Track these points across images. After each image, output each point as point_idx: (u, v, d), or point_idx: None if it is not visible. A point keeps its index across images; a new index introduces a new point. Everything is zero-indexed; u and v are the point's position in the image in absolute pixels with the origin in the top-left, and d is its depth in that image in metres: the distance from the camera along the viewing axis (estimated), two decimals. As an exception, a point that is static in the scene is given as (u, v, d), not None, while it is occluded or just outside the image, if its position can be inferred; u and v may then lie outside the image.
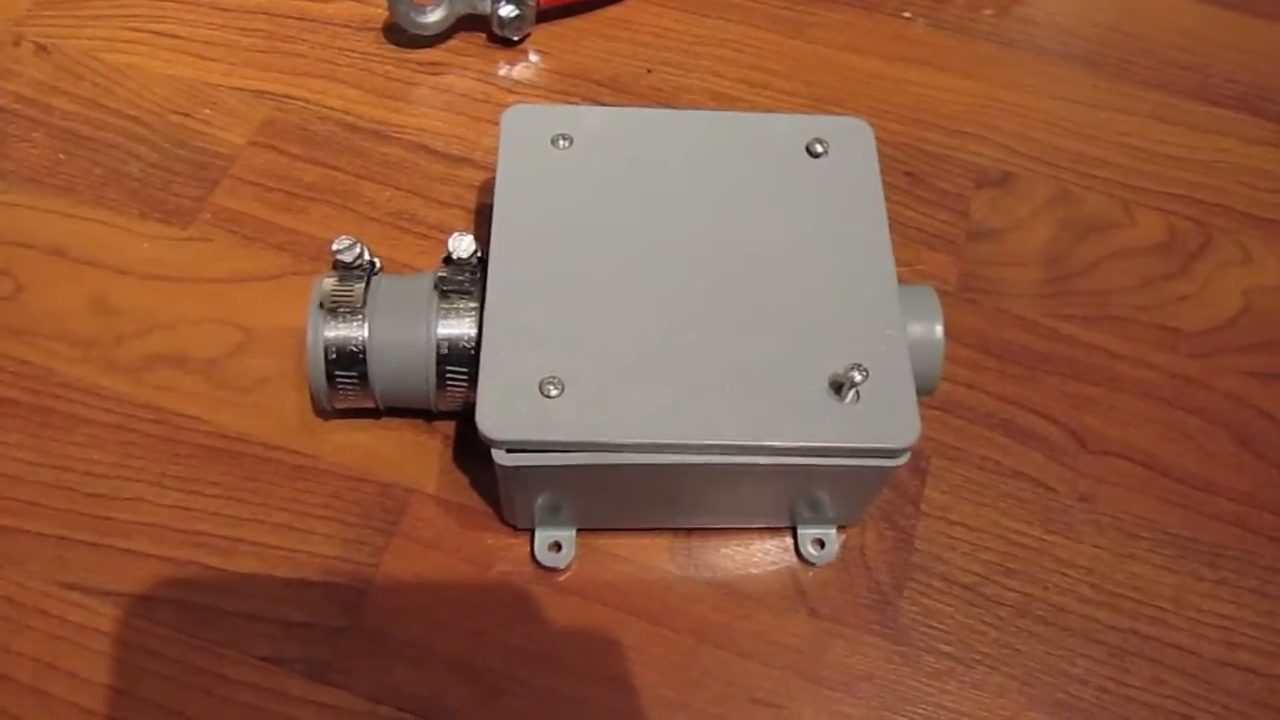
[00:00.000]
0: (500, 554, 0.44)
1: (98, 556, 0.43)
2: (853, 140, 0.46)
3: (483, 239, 0.42)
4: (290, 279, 0.50)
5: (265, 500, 0.44)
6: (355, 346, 0.41)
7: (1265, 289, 0.54)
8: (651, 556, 0.44)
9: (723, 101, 0.59)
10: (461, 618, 0.42)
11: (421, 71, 0.59)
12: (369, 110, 0.57)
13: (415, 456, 0.46)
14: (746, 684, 0.42)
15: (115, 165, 0.54)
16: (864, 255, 0.43)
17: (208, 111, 0.56)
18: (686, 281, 0.41)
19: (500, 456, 0.38)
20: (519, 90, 0.59)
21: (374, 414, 0.46)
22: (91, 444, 0.45)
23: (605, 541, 0.44)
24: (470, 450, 0.46)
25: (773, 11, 0.63)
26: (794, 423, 0.38)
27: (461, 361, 0.42)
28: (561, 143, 0.45)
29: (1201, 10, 0.66)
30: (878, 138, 0.46)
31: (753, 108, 0.58)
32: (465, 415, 0.45)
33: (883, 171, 0.45)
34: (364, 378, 0.42)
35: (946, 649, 0.43)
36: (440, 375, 0.42)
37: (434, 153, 0.55)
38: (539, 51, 0.60)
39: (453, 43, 0.60)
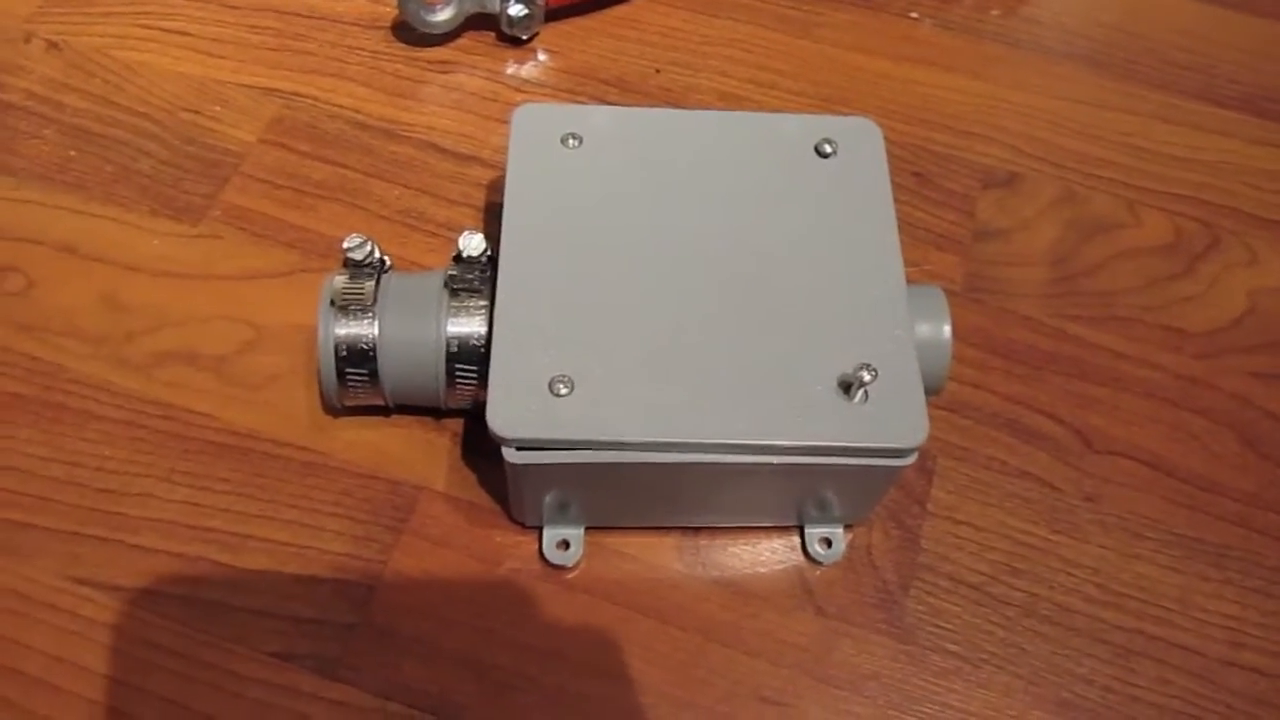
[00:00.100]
0: (509, 552, 0.44)
1: (108, 552, 0.43)
2: (861, 141, 0.46)
3: (492, 237, 0.43)
4: (300, 276, 0.51)
5: (275, 497, 0.45)
6: (366, 344, 0.42)
7: (1271, 290, 0.54)
8: (659, 555, 0.44)
9: (730, 101, 0.59)
10: (470, 615, 0.43)
11: (430, 70, 0.59)
12: (378, 108, 0.57)
13: (424, 454, 0.46)
14: (753, 682, 0.42)
15: (126, 162, 0.54)
16: (872, 255, 0.43)
17: (218, 109, 0.56)
18: (695, 281, 0.42)
19: (510, 454, 0.38)
20: (527, 89, 0.59)
21: (383, 411, 0.46)
22: (102, 440, 0.46)
23: (613, 540, 0.44)
24: (479, 448, 0.46)
25: (780, 11, 0.63)
26: (802, 422, 0.38)
27: (471, 359, 0.42)
28: (571, 142, 0.45)
29: (1206, 11, 0.66)
30: (885, 137, 0.46)
31: (760, 107, 0.59)
32: (474, 413, 0.45)
33: (890, 171, 0.45)
34: (374, 375, 0.42)
35: (953, 648, 0.43)
36: (450, 373, 0.42)
37: (443, 151, 0.56)
38: (547, 50, 0.60)
39: (461, 41, 0.60)
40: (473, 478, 0.46)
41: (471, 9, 0.59)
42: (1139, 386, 0.50)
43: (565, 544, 0.44)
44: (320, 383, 0.43)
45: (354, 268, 0.43)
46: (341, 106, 0.57)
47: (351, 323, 0.42)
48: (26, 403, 0.46)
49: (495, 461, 0.39)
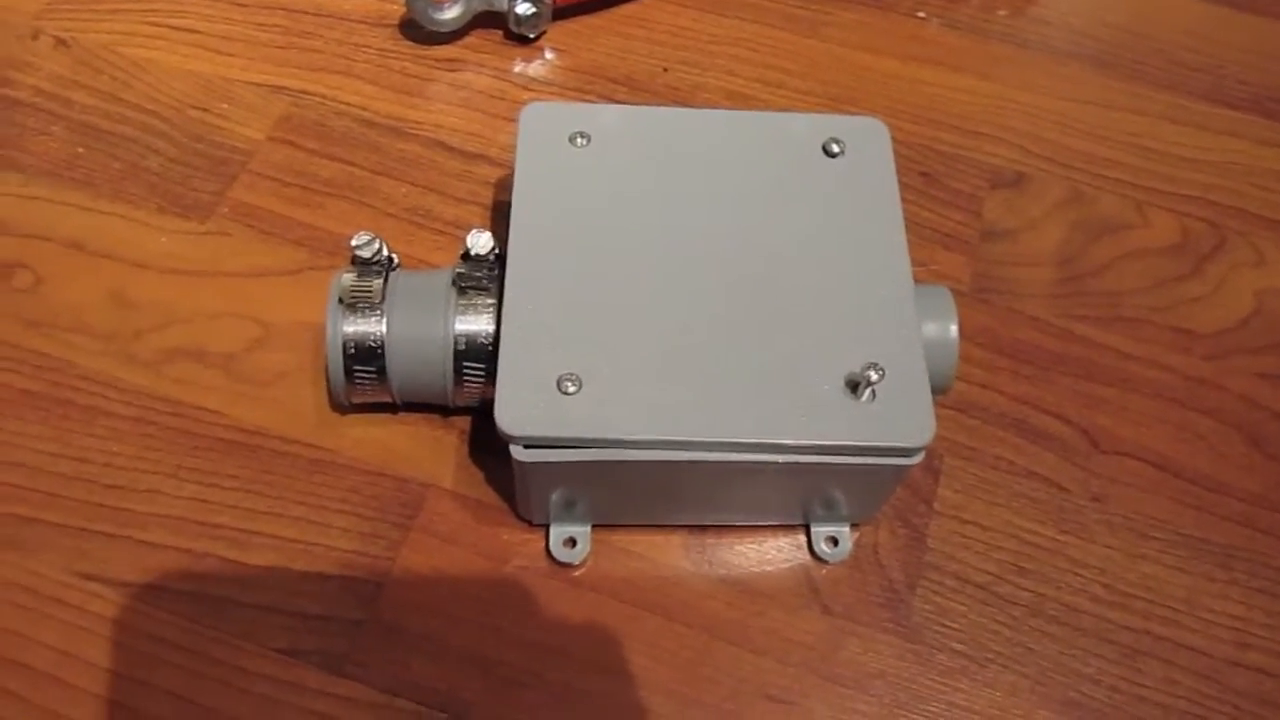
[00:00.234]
0: (516, 549, 0.44)
1: (116, 547, 0.43)
2: (869, 140, 0.46)
3: (499, 235, 0.43)
4: (308, 274, 0.51)
5: (282, 494, 0.45)
6: (374, 342, 0.42)
7: (1278, 291, 0.54)
8: (666, 553, 0.44)
9: (738, 100, 0.59)
10: (477, 612, 0.43)
11: (438, 68, 0.59)
12: (386, 106, 0.57)
13: (432, 451, 0.46)
14: (759, 680, 0.42)
15: (134, 159, 0.54)
16: (880, 255, 0.43)
17: (225, 106, 0.57)
18: (703, 280, 0.42)
19: (518, 452, 0.38)
20: (535, 87, 0.59)
21: (391, 409, 0.46)
22: (110, 436, 0.46)
23: (620, 538, 0.45)
24: (486, 445, 0.46)
25: (787, 11, 0.63)
26: (809, 421, 0.39)
27: (479, 357, 0.42)
28: (579, 140, 0.45)
29: (1214, 11, 0.66)
30: (892, 137, 0.46)
31: (768, 107, 0.59)
32: (481, 410, 0.45)
33: (898, 171, 0.45)
34: (382, 373, 0.42)
35: (959, 647, 0.43)
36: (458, 371, 0.42)
37: (450, 149, 0.56)
38: (555, 49, 0.60)
39: (469, 39, 0.60)
40: (480, 475, 0.46)
41: (479, 7, 0.59)
42: (1146, 387, 0.50)
43: (572, 542, 0.44)
44: (328, 380, 0.43)
45: (362, 265, 0.43)
46: (349, 104, 0.57)
47: (360, 320, 0.42)
48: (35, 399, 0.47)
49: (502, 459, 0.39)
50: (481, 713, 0.41)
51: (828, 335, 0.40)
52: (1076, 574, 0.45)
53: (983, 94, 0.60)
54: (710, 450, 0.39)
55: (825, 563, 0.44)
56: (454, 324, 0.42)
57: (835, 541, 0.45)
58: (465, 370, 0.42)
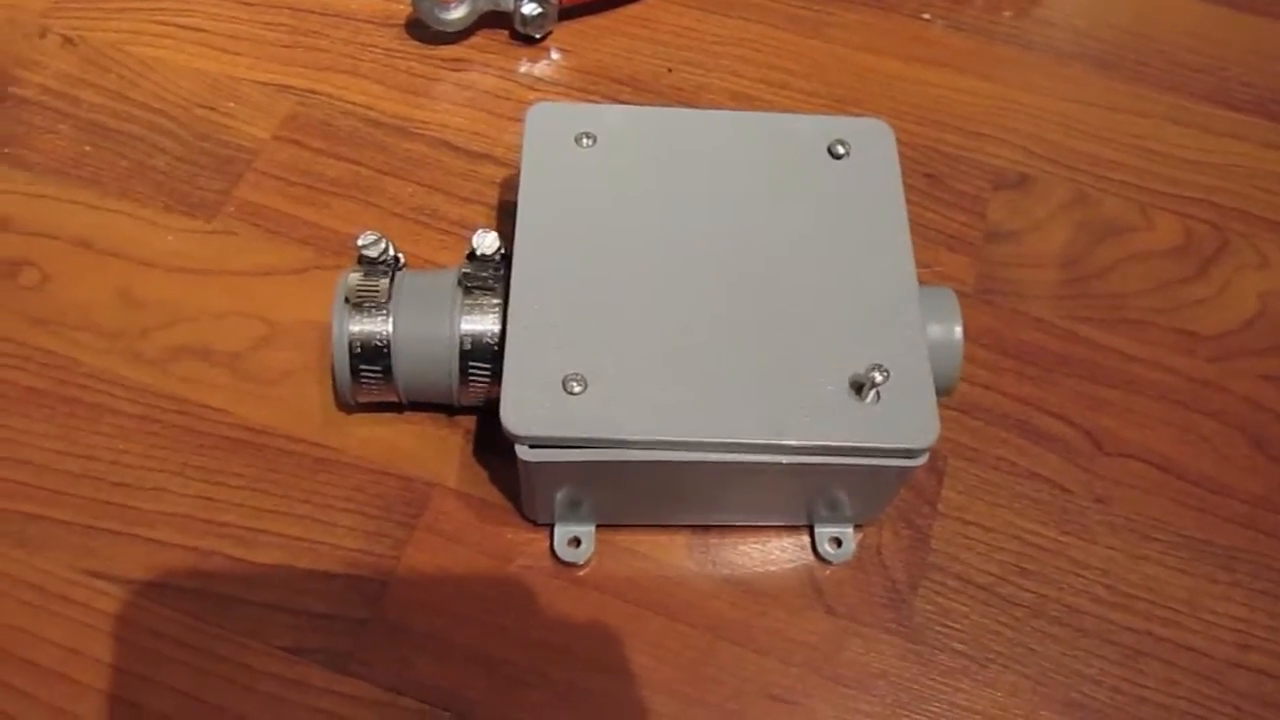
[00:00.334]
0: (520, 548, 0.44)
1: (122, 545, 0.43)
2: (874, 141, 0.46)
3: (504, 235, 0.43)
4: (314, 273, 0.51)
5: (288, 492, 0.45)
6: (380, 341, 0.42)
7: (1282, 293, 0.54)
8: (670, 553, 0.45)
9: (742, 101, 0.59)
10: (481, 611, 0.43)
11: (444, 68, 0.59)
12: (391, 106, 0.57)
13: (436, 451, 0.46)
14: (763, 680, 0.42)
15: (141, 158, 0.54)
16: (884, 256, 0.43)
17: (232, 105, 0.57)
18: (708, 280, 0.42)
19: (523, 452, 0.38)
20: (540, 87, 0.59)
21: (396, 408, 0.46)
22: (116, 434, 0.46)
23: (624, 538, 0.45)
24: (491, 445, 0.46)
25: (791, 11, 0.63)
26: (814, 422, 0.39)
27: (484, 357, 0.42)
28: (585, 141, 0.45)
29: (1218, 13, 0.66)
30: (896, 139, 0.46)
31: (772, 107, 0.59)
32: (487, 410, 0.46)
33: (902, 173, 0.45)
34: (388, 372, 0.42)
35: (961, 648, 0.43)
36: (463, 370, 0.42)
37: (456, 149, 0.56)
38: (560, 49, 0.61)
39: (475, 39, 0.60)
40: (484, 474, 0.46)
41: (485, 7, 0.59)
42: (1150, 389, 0.50)
43: (576, 541, 0.44)
44: (334, 379, 0.43)
45: (368, 265, 0.43)
46: (355, 104, 0.57)
47: (366, 320, 0.42)
48: (41, 396, 0.47)
49: (507, 459, 0.39)
50: (485, 711, 0.41)
51: (832, 336, 0.40)
52: (1079, 575, 0.45)
53: (987, 95, 0.60)
54: (715, 451, 0.39)
55: (829, 563, 0.45)
56: (460, 324, 0.42)
57: (839, 542, 0.45)
58: (471, 370, 0.42)
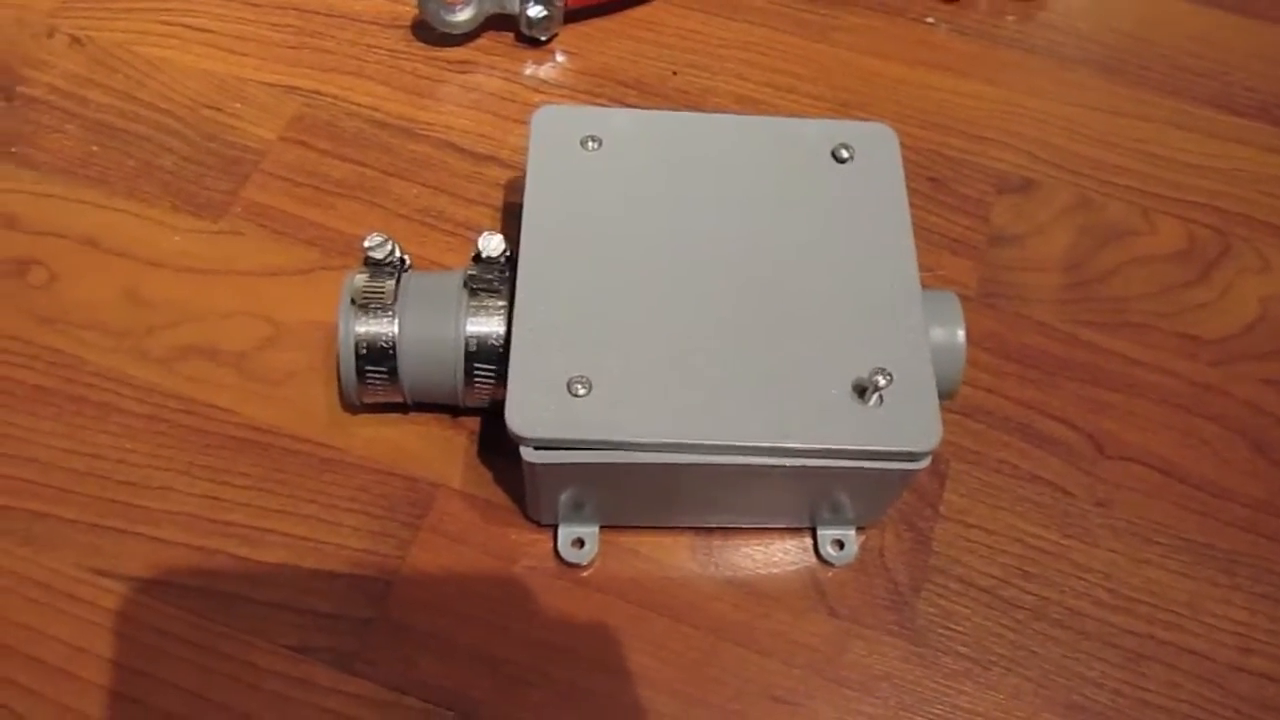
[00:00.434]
0: (524, 549, 0.44)
1: (128, 543, 0.44)
2: (878, 146, 0.46)
3: (510, 237, 0.43)
4: (319, 274, 0.51)
5: (294, 492, 0.45)
6: (385, 342, 0.42)
7: (1284, 298, 0.54)
8: (673, 555, 0.45)
9: (747, 104, 0.59)
10: (485, 611, 0.43)
11: (449, 70, 0.59)
12: (397, 107, 0.57)
13: (441, 451, 0.46)
14: (765, 682, 0.42)
15: (148, 158, 0.55)
16: (888, 260, 0.43)
17: (239, 106, 0.57)
18: (713, 283, 0.42)
19: (528, 454, 0.38)
20: (545, 90, 0.59)
21: (401, 409, 0.46)
22: (123, 433, 0.46)
23: (627, 539, 0.45)
24: (495, 446, 0.46)
25: (797, 15, 0.64)
26: (817, 425, 0.39)
27: (490, 359, 0.42)
28: (591, 144, 0.45)
29: (1221, 18, 0.66)
30: (900, 142, 0.46)
31: (777, 111, 0.59)
32: (491, 411, 0.46)
33: (905, 176, 0.46)
34: (393, 373, 0.43)
35: (963, 650, 0.43)
36: (469, 372, 0.43)
37: (461, 151, 0.56)
38: (566, 52, 0.61)
39: (481, 41, 0.61)
40: (489, 475, 0.46)
41: (491, 9, 0.59)
42: (1152, 392, 0.50)
43: (580, 542, 0.44)
44: (340, 380, 0.43)
45: (374, 266, 0.43)
46: (361, 105, 0.57)
47: (371, 321, 0.42)
48: (49, 395, 0.47)
49: (511, 460, 0.40)
50: (489, 711, 0.41)
51: (836, 339, 0.41)
52: (1080, 578, 0.45)
53: (990, 99, 0.61)
54: (718, 453, 0.39)
55: (831, 565, 0.45)
56: (465, 325, 0.42)
57: (841, 544, 0.45)
58: (476, 371, 0.43)
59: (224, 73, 0.58)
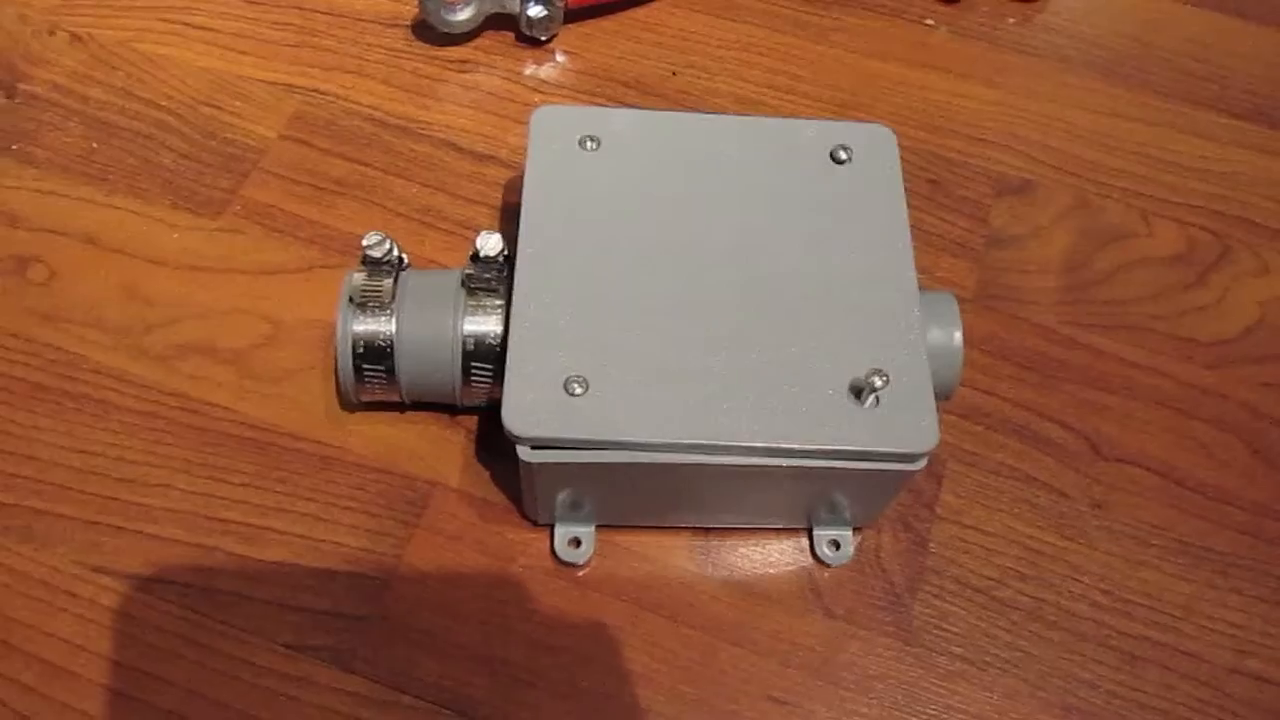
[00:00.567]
0: (521, 548, 0.45)
1: (127, 541, 0.44)
2: (877, 147, 0.46)
3: (508, 237, 0.43)
4: (318, 272, 0.51)
5: (292, 490, 0.45)
6: (383, 341, 0.42)
7: (1282, 301, 0.54)
8: (670, 554, 0.45)
9: (747, 105, 0.59)
10: (482, 610, 0.43)
11: (449, 69, 0.59)
12: (397, 106, 0.58)
13: (439, 450, 0.46)
14: (761, 682, 0.42)
15: (147, 155, 0.55)
16: (886, 261, 0.43)
17: (239, 104, 0.57)
18: (710, 284, 0.42)
19: (525, 453, 0.39)
20: (545, 90, 0.59)
21: (399, 407, 0.47)
22: (122, 430, 0.46)
23: (624, 538, 0.45)
24: (492, 445, 0.47)
25: (797, 16, 0.64)
26: (814, 426, 0.39)
27: (487, 358, 0.42)
28: (589, 144, 0.45)
29: (1221, 21, 0.66)
30: (899, 144, 0.47)
31: (777, 112, 0.59)
32: (488, 410, 0.46)
33: (904, 178, 0.46)
34: (391, 372, 0.43)
35: (959, 651, 0.44)
36: (466, 371, 0.43)
37: (460, 150, 0.56)
38: (566, 52, 0.61)
39: (481, 41, 0.61)
40: (486, 474, 0.46)
41: (491, 9, 0.59)
42: (1149, 395, 0.50)
43: (577, 542, 0.44)
44: (337, 378, 0.43)
45: (372, 265, 0.43)
46: (361, 104, 0.57)
47: (369, 319, 0.42)
48: (48, 392, 0.47)
49: (508, 459, 0.40)
50: (486, 710, 0.41)
51: (833, 341, 0.41)
52: (1077, 580, 0.45)
53: (990, 101, 0.61)
54: (715, 454, 0.39)
55: (827, 566, 0.45)
56: (463, 324, 0.42)
57: (837, 545, 0.45)
58: (473, 370, 0.43)
59: (224, 71, 0.58)
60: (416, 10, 0.59)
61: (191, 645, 0.42)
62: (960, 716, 0.42)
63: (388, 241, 0.43)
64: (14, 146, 0.54)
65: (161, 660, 0.41)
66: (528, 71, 0.60)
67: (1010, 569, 0.45)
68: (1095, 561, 0.46)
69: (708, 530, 0.45)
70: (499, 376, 0.41)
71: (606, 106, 0.58)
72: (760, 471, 0.40)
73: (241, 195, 0.54)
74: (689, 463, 0.39)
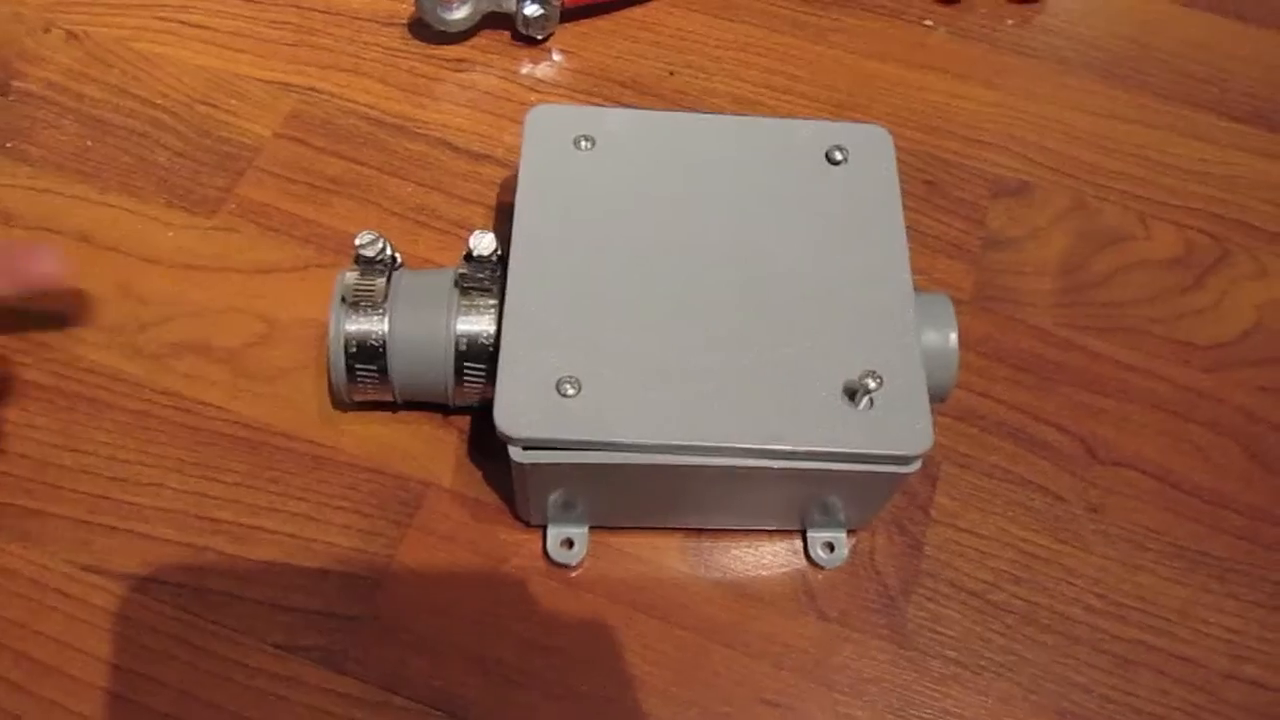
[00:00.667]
0: (514, 549, 0.44)
1: (119, 540, 0.44)
2: (873, 148, 0.46)
3: (503, 236, 0.43)
4: (313, 271, 0.51)
5: (284, 490, 0.45)
6: (376, 340, 0.42)
7: (1279, 304, 0.54)
8: (663, 556, 0.45)
9: (745, 105, 0.59)
10: (475, 610, 0.43)
11: (446, 68, 0.59)
12: (393, 105, 0.57)
13: (431, 450, 0.46)
14: (755, 684, 0.42)
15: (142, 153, 0.55)
16: (881, 263, 0.43)
17: (234, 102, 0.57)
18: (704, 285, 0.42)
19: (517, 454, 0.38)
20: (541, 89, 0.59)
21: (392, 407, 0.46)
22: (115, 429, 0.46)
23: (617, 540, 0.45)
24: (485, 445, 0.46)
25: (795, 16, 0.63)
26: (808, 428, 0.39)
27: (480, 358, 0.42)
28: (584, 144, 0.45)
29: (1221, 24, 0.66)
30: (897, 145, 0.46)
31: (774, 112, 0.59)
32: (481, 410, 0.46)
33: (901, 179, 0.46)
34: (383, 372, 0.43)
35: (952, 654, 0.43)
36: (458, 371, 0.43)
37: (456, 149, 0.56)
38: (562, 51, 0.61)
39: (477, 40, 0.61)
40: (479, 475, 0.46)
41: (487, 8, 0.59)
42: (1146, 398, 0.50)
43: (570, 543, 0.44)
44: (330, 378, 0.43)
45: (365, 264, 0.43)
46: (357, 102, 0.57)
47: (362, 319, 0.42)
48: (41, 390, 0.47)
49: (501, 459, 0.39)
50: (478, 711, 0.41)
51: (827, 342, 0.41)
52: (1071, 583, 0.45)
53: (988, 103, 0.61)
54: (708, 455, 0.39)
55: (821, 568, 0.45)
56: (456, 324, 0.42)
57: (831, 547, 0.45)
58: (466, 370, 0.43)
59: (220, 69, 0.58)
60: (413, 9, 0.59)
61: (182, 645, 0.42)
62: (954, 720, 0.42)
63: (381, 240, 0.43)
64: (8, 144, 0.54)
65: (152, 660, 0.41)
66: (524, 71, 0.60)
67: (1005, 572, 0.45)
68: (1090, 565, 0.46)
69: (701, 532, 0.45)
70: (492, 377, 0.41)
71: (603, 106, 0.58)
72: (753, 473, 0.39)
73: (236, 194, 0.53)
74: (682, 464, 0.39)
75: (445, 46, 0.60)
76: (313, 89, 0.58)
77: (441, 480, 0.46)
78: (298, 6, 0.61)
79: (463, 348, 0.42)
